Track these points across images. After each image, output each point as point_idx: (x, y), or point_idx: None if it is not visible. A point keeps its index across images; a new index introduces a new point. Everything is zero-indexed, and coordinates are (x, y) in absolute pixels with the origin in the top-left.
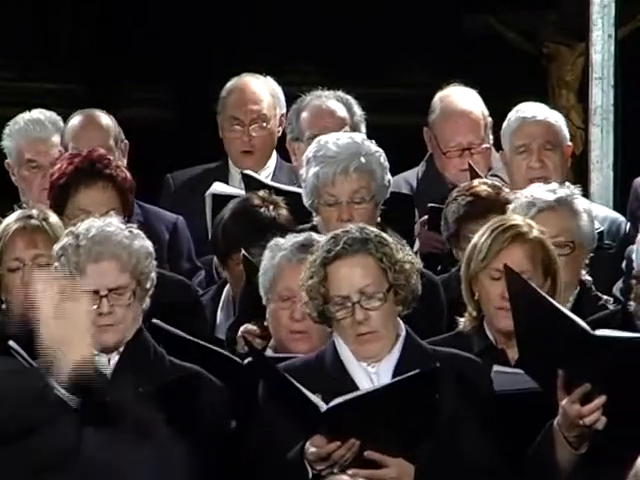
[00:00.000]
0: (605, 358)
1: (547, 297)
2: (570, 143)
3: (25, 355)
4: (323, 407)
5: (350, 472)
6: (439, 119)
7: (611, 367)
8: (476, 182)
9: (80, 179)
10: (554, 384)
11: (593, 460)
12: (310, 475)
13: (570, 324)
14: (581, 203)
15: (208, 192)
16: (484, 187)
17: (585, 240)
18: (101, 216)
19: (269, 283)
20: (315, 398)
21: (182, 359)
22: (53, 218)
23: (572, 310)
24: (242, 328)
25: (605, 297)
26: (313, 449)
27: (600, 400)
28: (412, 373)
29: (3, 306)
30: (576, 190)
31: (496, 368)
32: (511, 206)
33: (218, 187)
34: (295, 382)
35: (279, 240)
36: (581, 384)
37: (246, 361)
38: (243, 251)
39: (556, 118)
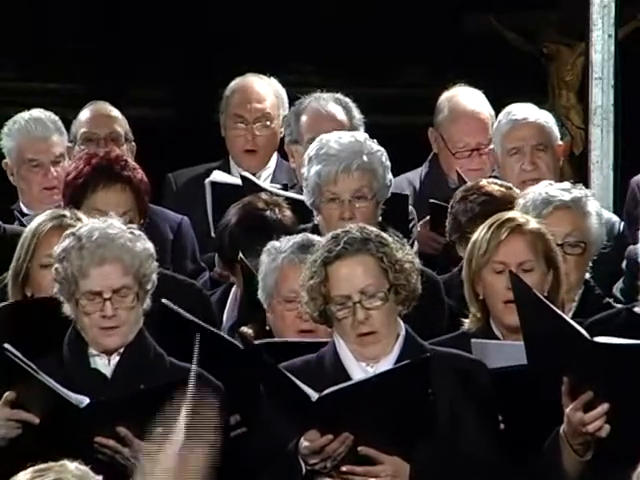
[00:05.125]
0: (606, 365)
1: (550, 304)
2: (561, 142)
3: (22, 358)
4: (314, 396)
5: (344, 468)
6: (447, 120)
7: (613, 374)
8: (484, 182)
9: (98, 179)
10: (560, 391)
11: (599, 467)
12: (304, 471)
13: (571, 331)
14: (593, 205)
15: (207, 180)
16: (496, 187)
17: (595, 241)
18: (121, 216)
19: (272, 286)
20: (307, 388)
21: (188, 342)
22: (85, 219)
23: (577, 309)
24: (239, 330)
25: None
26: (307, 443)
27: (603, 408)
28: (403, 363)
29: None
30: (589, 191)
31: (474, 340)
32: (520, 202)
33: (217, 176)
34: (287, 372)
35: (275, 243)
36: (585, 392)
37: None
38: (241, 254)
39: (546, 119)
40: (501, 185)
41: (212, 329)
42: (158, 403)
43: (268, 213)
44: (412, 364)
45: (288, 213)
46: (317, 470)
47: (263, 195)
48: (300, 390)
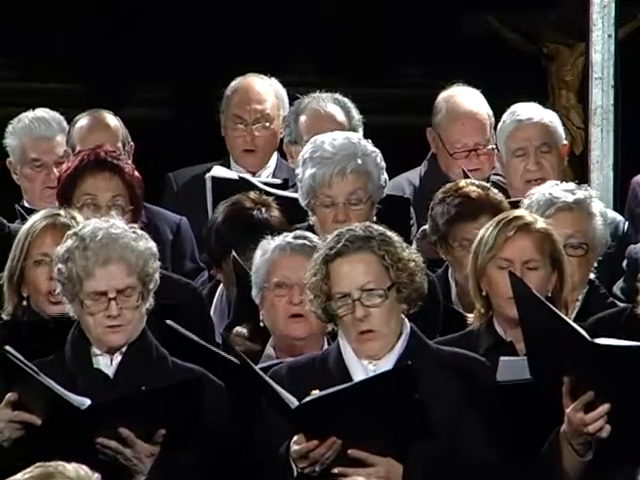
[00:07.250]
0: (607, 366)
1: (549, 305)
2: (566, 142)
3: (23, 359)
4: (294, 404)
5: (336, 470)
6: (445, 120)
7: (613, 375)
8: (463, 183)
9: (86, 168)
10: (560, 392)
11: (599, 467)
12: (295, 473)
13: (571, 332)
14: (597, 206)
15: (208, 175)
16: (473, 188)
17: (598, 243)
18: (107, 203)
19: (263, 277)
20: (288, 395)
21: (191, 361)
22: (80, 217)
23: (581, 309)
24: (233, 331)
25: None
26: (296, 447)
27: (603, 408)
28: (383, 371)
29: (24, 303)
30: (593, 192)
31: (503, 358)
32: (525, 202)
33: (218, 171)
34: (269, 380)
35: (268, 240)
36: (585, 392)
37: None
38: (233, 253)
39: (551, 118)
40: (478, 186)
41: (212, 347)
42: (159, 404)
43: (255, 212)
44: (391, 372)
45: (276, 213)
46: (307, 473)
47: (252, 194)
48: (280, 398)
